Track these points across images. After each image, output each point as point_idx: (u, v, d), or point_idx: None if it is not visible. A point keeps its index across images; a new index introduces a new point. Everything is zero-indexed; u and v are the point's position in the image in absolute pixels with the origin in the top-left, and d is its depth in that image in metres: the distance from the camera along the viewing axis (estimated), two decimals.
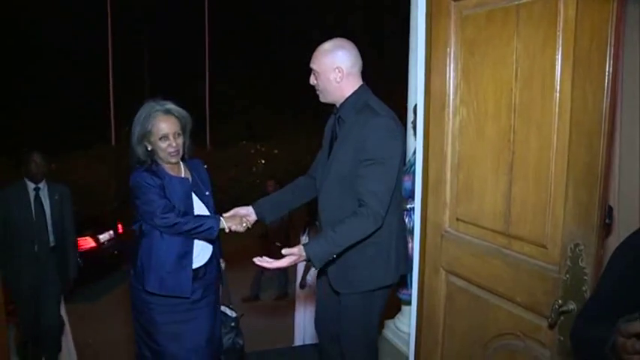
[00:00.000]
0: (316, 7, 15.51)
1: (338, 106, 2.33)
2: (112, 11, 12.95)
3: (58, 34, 13.42)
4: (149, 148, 2.47)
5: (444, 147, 2.07)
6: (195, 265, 2.54)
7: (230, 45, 15.56)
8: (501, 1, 1.74)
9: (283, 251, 2.19)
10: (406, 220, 3.20)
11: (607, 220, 1.51)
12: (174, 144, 2.43)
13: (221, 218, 2.45)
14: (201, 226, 2.42)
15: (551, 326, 1.58)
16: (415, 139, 2.51)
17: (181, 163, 2.60)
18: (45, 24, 13.39)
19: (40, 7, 13.28)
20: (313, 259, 2.16)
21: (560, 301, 1.52)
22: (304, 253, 2.15)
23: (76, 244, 4.37)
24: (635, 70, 1.56)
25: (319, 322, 2.66)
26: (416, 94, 2.36)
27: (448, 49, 2.01)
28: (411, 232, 3.11)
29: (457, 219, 2.04)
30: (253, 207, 2.57)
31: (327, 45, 2.28)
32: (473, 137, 1.92)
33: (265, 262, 2.16)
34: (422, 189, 2.26)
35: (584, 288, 1.49)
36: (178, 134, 2.45)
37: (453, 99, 2.01)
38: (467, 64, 1.93)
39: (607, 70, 1.40)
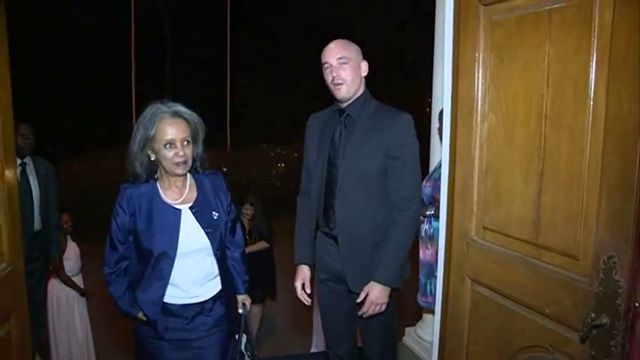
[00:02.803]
0: (339, 6, 15.52)
1: (345, 104, 2.33)
2: (135, 11, 13.09)
3: (83, 35, 13.64)
4: (152, 158, 2.14)
5: (472, 153, 2.03)
6: (190, 300, 2.21)
7: (252, 45, 15.63)
8: (532, 6, 1.70)
9: (362, 311, 2.31)
10: (426, 227, 3.18)
11: None
12: (181, 153, 2.07)
13: (138, 313, 2.18)
14: (118, 301, 2.19)
15: (582, 340, 1.52)
16: (442, 146, 2.47)
17: (189, 178, 2.26)
18: (69, 24, 13.61)
19: (66, 7, 13.51)
20: (394, 285, 2.30)
21: (592, 315, 1.47)
22: (379, 288, 2.27)
23: (59, 223, 4.09)
24: None
25: (333, 333, 2.58)
26: (441, 100, 2.33)
27: (476, 55, 1.97)
28: (431, 238, 3.09)
29: (484, 227, 1.99)
30: (307, 265, 2.51)
31: (346, 39, 2.32)
32: (501, 144, 1.88)
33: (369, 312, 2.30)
34: (448, 196, 2.22)
35: (618, 302, 1.44)
36: (187, 142, 2.11)
37: (482, 104, 1.97)
38: (496, 70, 1.89)
39: None
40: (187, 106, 2.19)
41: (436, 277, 2.67)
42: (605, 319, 1.46)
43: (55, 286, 4.16)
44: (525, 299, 1.78)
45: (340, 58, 2.26)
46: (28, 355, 1.98)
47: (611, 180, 1.46)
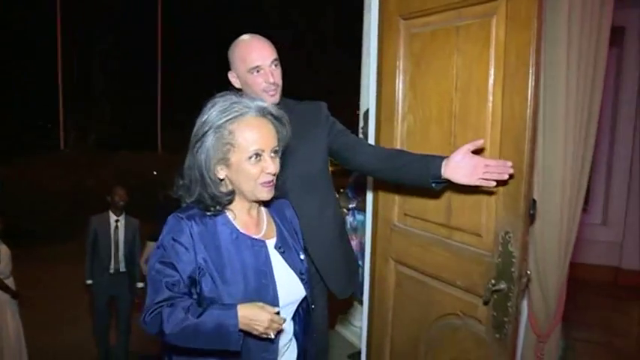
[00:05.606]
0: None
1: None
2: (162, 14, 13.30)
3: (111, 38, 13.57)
4: (221, 176, 1.47)
5: None
6: None
7: None
8: (444, 22, 1.99)
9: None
10: (350, 220, 3.45)
11: (531, 211, 1.76)
12: (271, 169, 1.46)
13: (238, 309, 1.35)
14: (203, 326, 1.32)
15: (485, 303, 1.82)
16: None
17: (262, 207, 1.64)
18: (96, 29, 13.59)
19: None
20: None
21: (493, 281, 1.76)
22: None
23: (138, 270, 4.94)
24: (555, 82, 1.85)
25: None
26: (367, 102, 2.58)
27: (397, 62, 2.23)
28: (355, 230, 3.38)
29: (405, 214, 2.26)
30: None
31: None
32: (419, 141, 2.15)
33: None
34: (373, 188, 2.47)
35: (512, 269, 1.73)
36: (275, 152, 1.49)
37: (402, 106, 2.24)
38: (414, 76, 2.17)
39: (529, 83, 1.66)
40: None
41: (359, 265, 2.92)
42: (503, 285, 1.75)
43: None
44: (441, 274, 2.06)
45: (274, 60, 1.99)
46: None
47: None
